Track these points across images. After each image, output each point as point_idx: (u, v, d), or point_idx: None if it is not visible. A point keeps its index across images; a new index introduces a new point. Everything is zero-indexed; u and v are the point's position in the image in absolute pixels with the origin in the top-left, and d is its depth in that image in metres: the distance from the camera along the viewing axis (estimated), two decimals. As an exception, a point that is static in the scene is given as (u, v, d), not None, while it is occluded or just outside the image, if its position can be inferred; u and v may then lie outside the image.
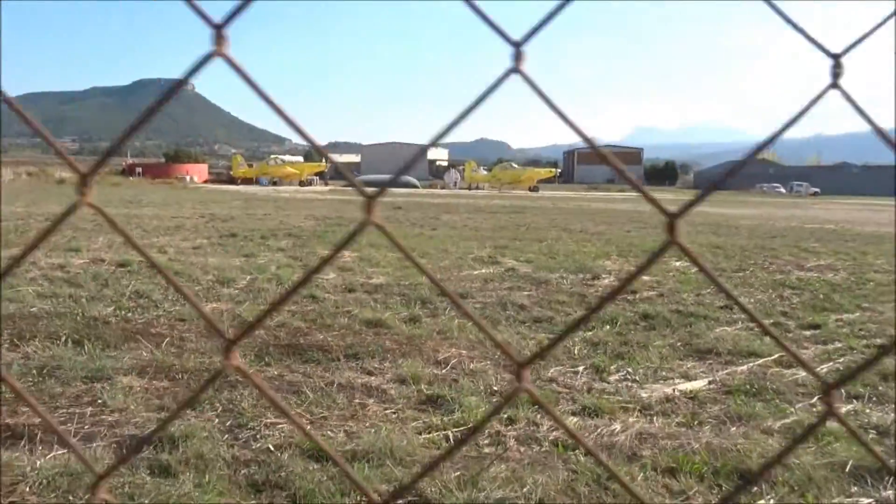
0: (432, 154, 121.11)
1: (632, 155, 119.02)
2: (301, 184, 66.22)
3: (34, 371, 4.94)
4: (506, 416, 4.28)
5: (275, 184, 67.46)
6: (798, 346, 6.57)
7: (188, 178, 68.16)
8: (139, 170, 70.40)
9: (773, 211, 40.37)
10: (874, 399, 4.96)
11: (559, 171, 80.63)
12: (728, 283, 10.13)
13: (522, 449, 3.85)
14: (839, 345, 6.59)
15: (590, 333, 6.93)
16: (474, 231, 19.05)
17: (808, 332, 7.16)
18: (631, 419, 4.35)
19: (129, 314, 7.11)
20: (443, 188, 72.79)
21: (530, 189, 66.84)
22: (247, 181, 68.70)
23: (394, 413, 4.43)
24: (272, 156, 79.71)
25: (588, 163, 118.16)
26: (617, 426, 4.18)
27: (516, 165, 78.15)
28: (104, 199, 32.26)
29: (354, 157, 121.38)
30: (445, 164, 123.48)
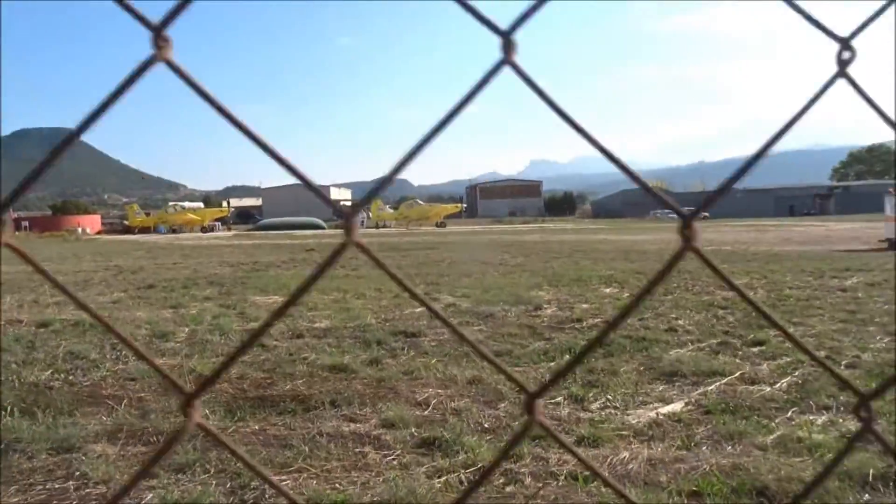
0: (335, 194, 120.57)
1: (532, 187, 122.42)
2: (203, 230, 64.29)
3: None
4: (512, 452, 4.23)
5: (174, 231, 65.22)
6: (752, 362, 6.83)
7: (80, 229, 64.84)
8: (25, 223, 66.46)
9: (670, 236, 42.07)
10: (842, 409, 5.20)
11: (465, 206, 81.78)
12: (661, 306, 10.52)
13: (539, 485, 3.80)
14: (788, 359, 6.89)
15: (552, 364, 7.00)
16: (398, 269, 18.97)
17: (755, 349, 7.46)
18: (633, 446, 4.39)
19: (71, 377, 6.63)
20: (349, 228, 72.16)
21: (437, 225, 67.43)
22: (144, 230, 66.16)
23: (394, 459, 4.29)
24: (170, 203, 77.16)
25: (490, 197, 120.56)
26: (625, 454, 4.20)
27: (422, 202, 78.76)
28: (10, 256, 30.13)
29: (255, 201, 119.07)
30: (349, 203, 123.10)
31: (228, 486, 3.84)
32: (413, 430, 4.82)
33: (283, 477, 3.95)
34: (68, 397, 5.74)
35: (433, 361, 6.99)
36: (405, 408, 5.35)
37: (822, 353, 7.28)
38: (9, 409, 5.36)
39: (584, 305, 10.74)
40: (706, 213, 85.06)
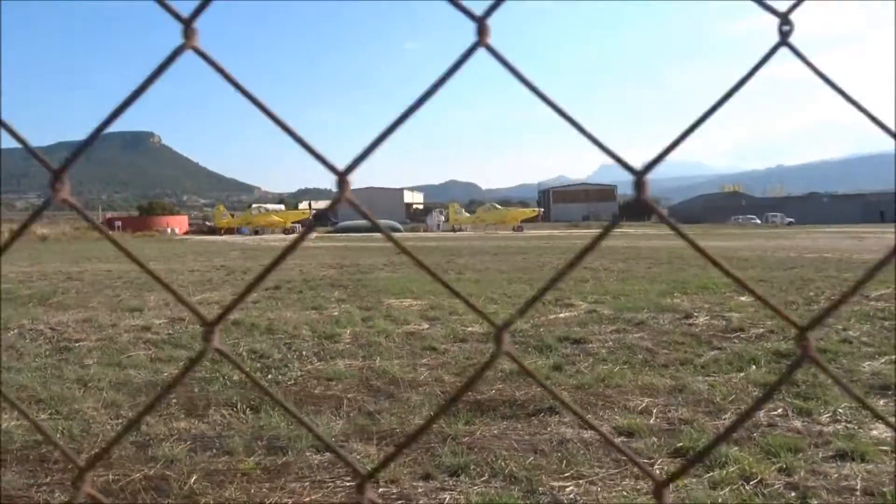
0: (408, 198, 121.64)
1: (606, 191, 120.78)
2: (285, 232, 65.77)
3: (263, 444, 4.66)
4: (776, 466, 4.14)
5: (256, 233, 66.97)
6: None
7: (169, 230, 67.29)
8: (118, 223, 69.32)
9: (762, 242, 40.81)
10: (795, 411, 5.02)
11: (542, 210, 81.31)
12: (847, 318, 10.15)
13: (839, 500, 3.70)
14: None
15: (741, 374, 6.84)
16: (503, 273, 18.97)
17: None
18: (908, 462, 4.23)
19: (270, 375, 6.84)
20: (426, 231, 72.86)
21: (514, 229, 67.19)
22: (228, 231, 68.16)
23: (659, 468, 4.24)
24: (254, 205, 79.25)
25: (563, 201, 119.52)
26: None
27: (499, 206, 78.70)
28: (100, 254, 31.63)
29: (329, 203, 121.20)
30: (421, 206, 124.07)
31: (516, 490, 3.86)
32: (654, 439, 4.76)
33: (566, 483, 3.95)
34: (285, 396, 5.90)
35: (616, 369, 6.91)
36: (630, 416, 5.30)
37: None
38: (238, 405, 5.55)
39: (733, 314, 10.47)
40: (791, 219, 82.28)
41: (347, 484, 3.97)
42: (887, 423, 5.22)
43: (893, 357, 7.40)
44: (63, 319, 10.29)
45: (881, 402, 5.75)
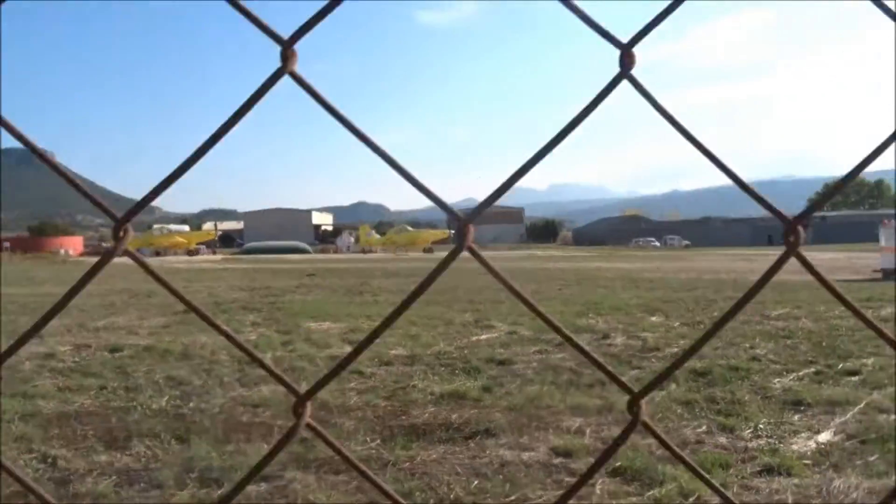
0: (317, 219, 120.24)
1: (514, 214, 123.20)
2: (189, 253, 63.65)
3: (195, 476, 4.43)
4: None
5: (158, 254, 64.47)
6: (861, 391, 6.93)
7: (63, 251, 63.86)
8: (7, 244, 65.30)
9: (662, 264, 42.46)
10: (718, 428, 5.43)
11: (452, 232, 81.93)
12: (725, 334, 10.64)
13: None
14: (892, 388, 7.01)
15: (663, 393, 7.06)
16: (422, 297, 18.95)
17: (853, 378, 7.57)
18: (831, 473, 4.46)
19: (192, 403, 6.54)
20: (335, 252, 72.17)
21: (425, 250, 67.50)
22: (127, 252, 65.21)
23: (600, 488, 4.30)
24: (156, 225, 76.32)
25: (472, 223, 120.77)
26: (838, 483, 4.26)
27: (410, 228, 78.91)
28: (-13, 277, 29.66)
29: (237, 224, 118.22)
30: (330, 228, 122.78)
31: None
32: (591, 459, 4.83)
33: (514, 507, 3.95)
34: (211, 425, 5.66)
35: (545, 389, 7.00)
36: (566, 436, 5.36)
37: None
38: (162, 436, 5.28)
39: (648, 334, 10.82)
40: (688, 242, 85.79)
41: (291, 516, 3.83)
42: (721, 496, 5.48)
43: (800, 374, 7.83)
44: (-46, 347, 9.55)
45: (795, 416, 6.05)
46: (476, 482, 4.31)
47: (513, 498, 4.09)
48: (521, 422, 5.81)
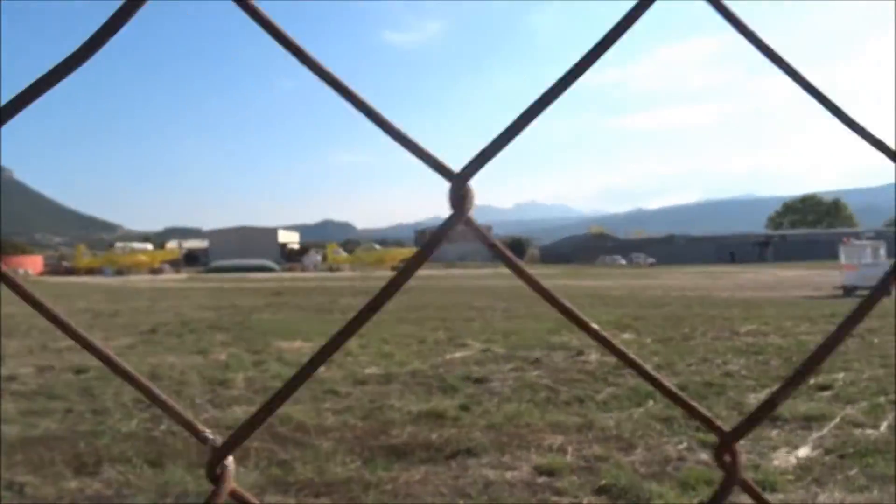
0: (283, 237, 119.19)
1: (480, 234, 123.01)
2: (153, 272, 62.59)
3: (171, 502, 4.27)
4: (697, 498, 4.26)
5: (120, 273, 63.27)
6: (834, 405, 7.00)
7: (21, 271, 62.29)
8: (-39, 264, 63.39)
9: (629, 282, 42.87)
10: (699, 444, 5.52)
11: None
12: (697, 350, 10.73)
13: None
14: (866, 402, 7.10)
15: (641, 410, 7.06)
16: (388, 313, 18.78)
17: (825, 393, 7.66)
18: (815, 489, 4.47)
19: (163, 426, 6.35)
20: (302, 271, 71.62)
21: (393, 269, 67.20)
22: (89, 272, 63.97)
23: (583, 507, 4.25)
24: (119, 243, 74.94)
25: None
26: (823, 497, 4.26)
27: (378, 246, 78.66)
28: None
29: (201, 243, 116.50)
30: (297, 246, 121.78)
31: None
32: (574, 477, 4.79)
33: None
34: (184, 448, 5.49)
35: (523, 407, 6.96)
36: (548, 454, 5.31)
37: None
38: (134, 460, 5.10)
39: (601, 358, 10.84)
40: (653, 260, 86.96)
41: (274, 541, 3.71)
42: None
43: (774, 389, 7.87)
44: (-90, 370, 9.19)
45: (773, 432, 6.07)
46: (461, 503, 4.22)
47: (501, 518, 4.02)
48: (501, 440, 5.75)
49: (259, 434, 6.06)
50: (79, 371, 9.13)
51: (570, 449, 5.48)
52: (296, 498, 4.34)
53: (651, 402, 7.25)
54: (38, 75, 0.55)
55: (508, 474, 4.83)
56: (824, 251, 68.73)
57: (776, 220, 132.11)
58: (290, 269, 73.44)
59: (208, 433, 0.64)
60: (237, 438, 0.65)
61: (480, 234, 0.68)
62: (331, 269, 69.42)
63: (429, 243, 0.66)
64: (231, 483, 0.62)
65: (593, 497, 4.38)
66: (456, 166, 0.62)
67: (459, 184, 0.62)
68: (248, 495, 0.65)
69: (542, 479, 4.76)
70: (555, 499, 4.36)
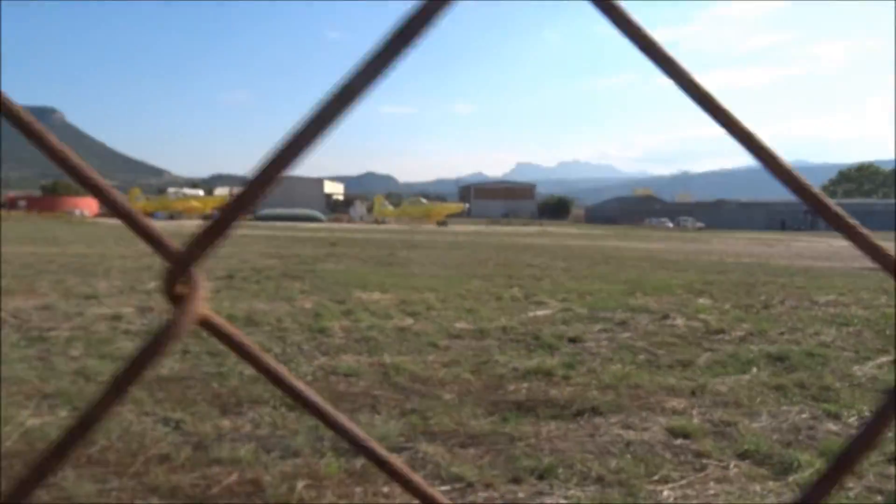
0: (328, 188, 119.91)
1: (526, 190, 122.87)
2: (204, 218, 63.53)
3: (328, 445, 4.42)
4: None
5: (171, 218, 64.50)
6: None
7: (78, 212, 63.96)
8: (23, 203, 65.36)
9: (680, 245, 42.26)
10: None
11: (467, 206, 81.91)
12: (782, 322, 10.60)
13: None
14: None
15: (747, 377, 7.02)
16: (460, 269, 18.86)
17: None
18: None
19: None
20: (349, 222, 72.16)
21: (438, 223, 67.35)
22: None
23: (730, 470, 4.28)
24: (171, 189, 76.26)
25: (484, 198, 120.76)
26: None
27: (424, 200, 78.69)
28: (12, 236, 29.83)
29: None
30: (342, 198, 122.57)
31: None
32: (711, 440, 4.81)
33: (659, 487, 3.94)
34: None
35: (628, 370, 6.98)
36: (676, 417, 5.34)
37: None
38: (272, 402, 5.28)
39: (705, 316, 10.77)
40: (702, 224, 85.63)
41: (448, 488, 3.82)
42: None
43: (877, 361, 7.79)
44: (20, 306, 9.56)
45: None
46: (614, 462, 4.29)
47: (656, 477, 4.08)
48: (621, 401, 5.79)
49: (378, 381, 6.23)
50: (178, 313, 9.38)
51: (694, 412, 5.50)
52: (445, 447, 4.45)
53: (755, 370, 7.23)
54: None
55: (644, 435, 4.88)
56: (881, 222, 66.76)
57: (829, 189, 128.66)
58: (336, 220, 74.07)
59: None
60: (203, 244, 0.51)
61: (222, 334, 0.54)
62: (377, 222, 69.81)
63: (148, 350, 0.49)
64: (201, 306, 0.49)
65: (738, 461, 4.41)
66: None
67: (179, 269, 0.48)
68: (225, 323, 0.53)
69: (678, 441, 4.80)
70: (703, 461, 4.40)
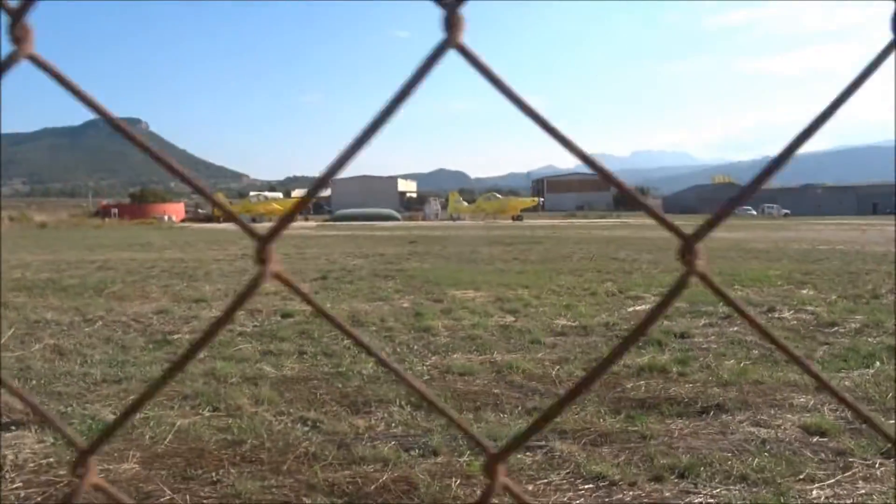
0: (402, 186, 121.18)
1: (600, 182, 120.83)
2: (284, 220, 65.28)
3: (462, 445, 4.54)
4: None
5: (254, 220, 66.49)
6: None
7: (166, 217, 66.72)
8: (115, 210, 68.64)
9: (767, 234, 40.96)
10: None
11: (542, 200, 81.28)
12: (878, 312, 10.16)
13: None
14: None
15: (871, 371, 6.78)
16: (546, 265, 18.77)
17: None
18: None
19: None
20: (423, 219, 72.75)
21: (514, 218, 67.03)
22: (227, 219, 67.56)
23: (878, 471, 4.17)
24: (252, 193, 78.68)
25: (557, 191, 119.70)
26: None
27: (499, 195, 78.57)
28: (108, 241, 31.36)
29: (324, 192, 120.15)
30: (415, 195, 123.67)
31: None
32: (850, 438, 4.69)
33: (807, 486, 3.88)
34: (437, 394, 5.77)
35: (744, 365, 6.84)
36: (808, 414, 5.23)
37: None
38: (398, 402, 5.43)
39: (814, 308, 10.42)
40: (787, 211, 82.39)
41: (592, 486, 3.87)
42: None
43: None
44: (140, 311, 10.09)
45: None
46: (754, 460, 4.24)
47: (802, 476, 4.01)
48: (745, 398, 5.70)
49: (493, 379, 6.30)
50: (285, 315, 9.69)
51: (825, 409, 5.36)
52: (578, 445, 4.49)
53: (878, 364, 6.97)
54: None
55: (778, 433, 4.80)
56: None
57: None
58: (411, 218, 74.79)
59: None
60: (99, 443, 0.75)
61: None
62: (452, 218, 70.09)
63: (417, 74, 0.63)
64: (94, 477, 0.72)
65: (883, 459, 4.28)
66: None
67: (451, 9, 0.60)
68: (110, 487, 0.74)
69: (815, 440, 4.69)
70: (847, 459, 4.29)
